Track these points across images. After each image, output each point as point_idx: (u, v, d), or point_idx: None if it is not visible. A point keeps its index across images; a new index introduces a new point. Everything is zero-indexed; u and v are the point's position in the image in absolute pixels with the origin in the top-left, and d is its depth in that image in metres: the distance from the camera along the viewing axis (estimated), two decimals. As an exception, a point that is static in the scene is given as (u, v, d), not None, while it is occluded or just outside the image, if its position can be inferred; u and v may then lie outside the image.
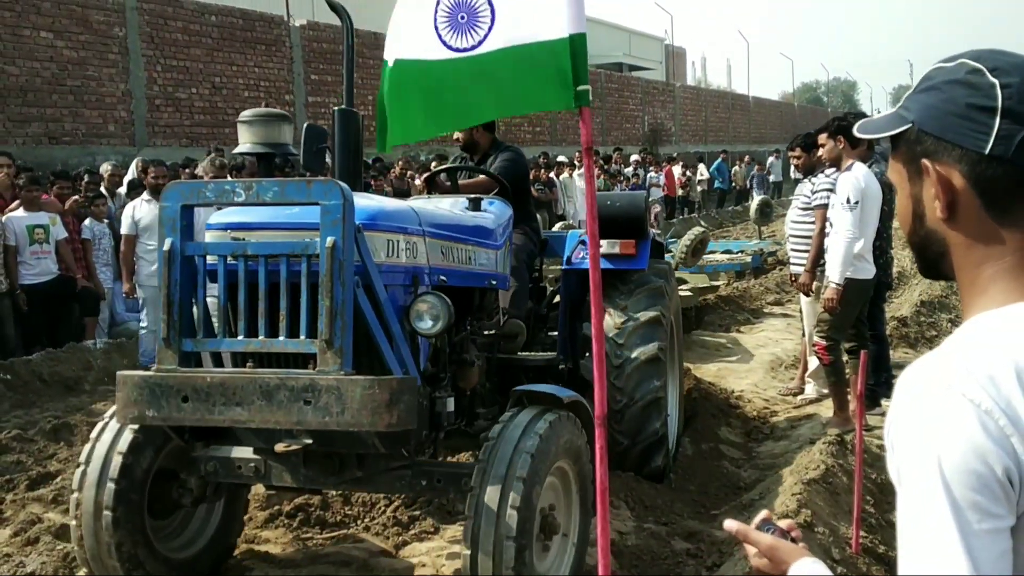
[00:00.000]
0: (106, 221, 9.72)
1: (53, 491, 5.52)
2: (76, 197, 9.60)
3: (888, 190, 6.36)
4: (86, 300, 9.27)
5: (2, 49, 13.15)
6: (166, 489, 4.05)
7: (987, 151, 1.18)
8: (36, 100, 13.61)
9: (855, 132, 1.39)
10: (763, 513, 1.44)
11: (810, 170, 7.31)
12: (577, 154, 18.22)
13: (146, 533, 3.96)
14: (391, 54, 3.86)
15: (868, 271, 6.39)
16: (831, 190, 6.58)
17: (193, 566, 4.22)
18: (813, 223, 7.00)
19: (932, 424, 1.08)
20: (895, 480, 1.14)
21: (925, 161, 1.24)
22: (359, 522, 5.03)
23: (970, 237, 1.22)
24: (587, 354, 5.54)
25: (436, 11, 3.66)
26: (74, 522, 3.90)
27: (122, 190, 10.32)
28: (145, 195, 8.58)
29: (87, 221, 9.48)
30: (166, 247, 3.43)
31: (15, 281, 8.54)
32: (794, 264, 7.50)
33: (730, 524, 1.41)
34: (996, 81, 1.19)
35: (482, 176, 5.70)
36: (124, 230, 8.66)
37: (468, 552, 3.46)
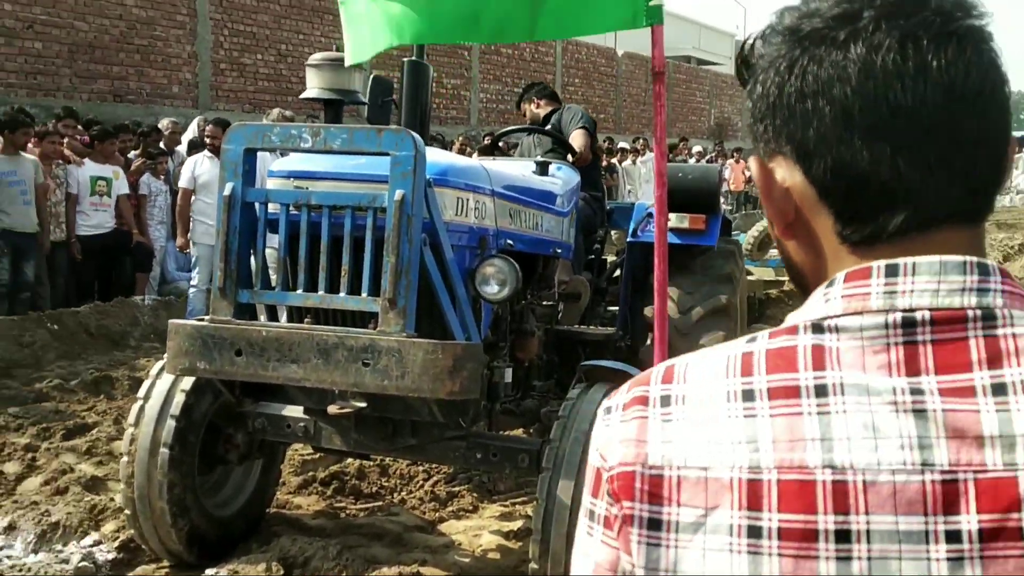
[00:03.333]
0: (162, 178, 9.68)
1: (87, 442, 5.46)
2: (143, 159, 9.56)
3: None
4: (139, 256, 9.25)
5: (74, 4, 13.19)
6: (213, 442, 3.94)
7: None
8: (103, 57, 13.64)
9: None
10: None
11: None
12: (642, 141, 17.87)
13: (195, 480, 3.85)
14: None
15: None
16: None
17: (228, 526, 4.09)
18: None
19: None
20: None
21: None
22: (395, 494, 4.87)
23: None
24: (648, 340, 5.31)
25: None
26: (125, 459, 3.79)
27: (182, 148, 10.27)
28: (207, 152, 8.38)
29: (145, 176, 9.45)
30: (226, 192, 3.26)
31: (72, 231, 8.51)
32: None
33: None
34: None
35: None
36: (183, 183, 8.49)
37: (538, 540, 3.24)
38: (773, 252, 11.42)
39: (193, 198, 8.33)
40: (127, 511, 3.84)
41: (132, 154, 9.79)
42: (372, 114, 4.40)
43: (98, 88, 13.63)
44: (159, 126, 10.75)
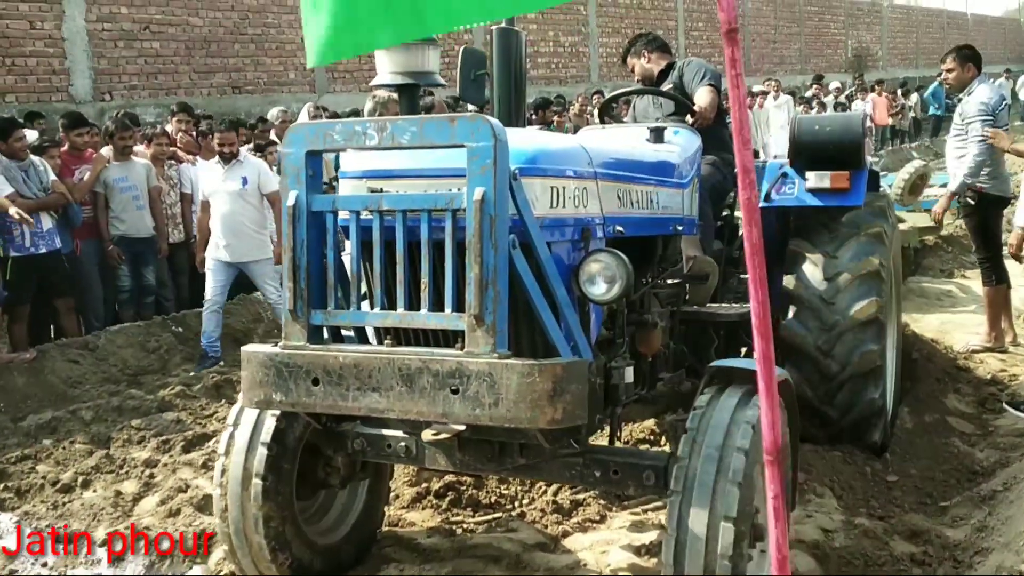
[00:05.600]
0: (274, 168, 9.54)
1: (205, 455, 5.32)
2: (253, 151, 9.41)
3: None
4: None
5: (186, 2, 13.30)
6: (312, 466, 3.65)
7: None
8: (219, 50, 13.74)
9: None
10: None
11: (963, 86, 6.78)
12: (773, 83, 16.82)
13: (294, 509, 3.56)
14: None
15: None
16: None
17: (336, 554, 3.80)
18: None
19: None
20: None
21: None
22: (515, 504, 4.49)
23: None
24: (790, 313, 4.73)
25: None
26: (218, 491, 3.55)
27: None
28: (216, 159, 7.60)
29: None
30: (290, 201, 2.90)
31: (190, 230, 8.47)
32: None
33: None
34: None
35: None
36: (201, 195, 7.77)
37: None
38: (928, 192, 10.46)
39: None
40: (224, 546, 3.60)
41: (244, 148, 9.70)
42: (465, 90, 4.01)
43: (216, 82, 13.74)
44: (268, 116, 10.64)
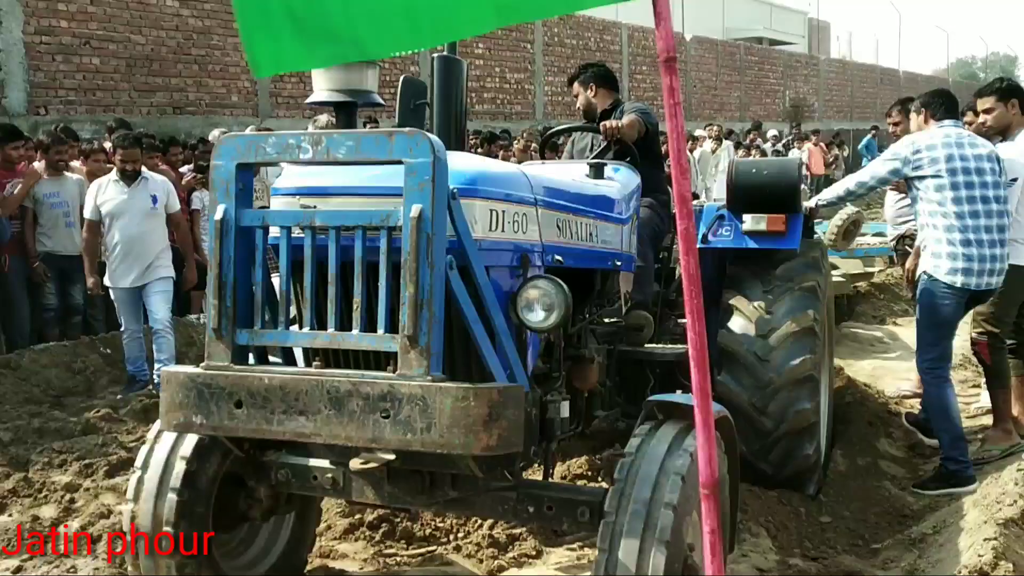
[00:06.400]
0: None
1: (128, 480, 5.08)
2: (195, 173, 9.22)
3: None
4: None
5: (129, 19, 13.07)
6: (233, 498, 3.47)
7: None
8: (161, 69, 13.50)
9: None
10: None
11: None
12: (715, 128, 17.10)
13: (212, 554, 3.38)
14: None
15: None
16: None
17: None
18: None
19: None
20: None
21: None
22: (451, 538, 4.37)
23: None
24: (724, 369, 4.68)
25: None
26: (128, 538, 3.34)
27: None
28: (114, 175, 7.07)
29: (197, 191, 9.13)
30: (218, 216, 2.78)
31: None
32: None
33: None
34: None
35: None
36: (87, 214, 7.11)
37: None
38: (860, 241, 10.66)
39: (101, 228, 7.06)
40: (136, 595, 3.40)
41: (184, 168, 9.51)
42: (404, 119, 3.92)
43: (157, 101, 13.49)
44: (209, 138, 10.46)
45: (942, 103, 5.27)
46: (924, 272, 5.12)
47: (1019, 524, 4.01)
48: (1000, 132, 5.59)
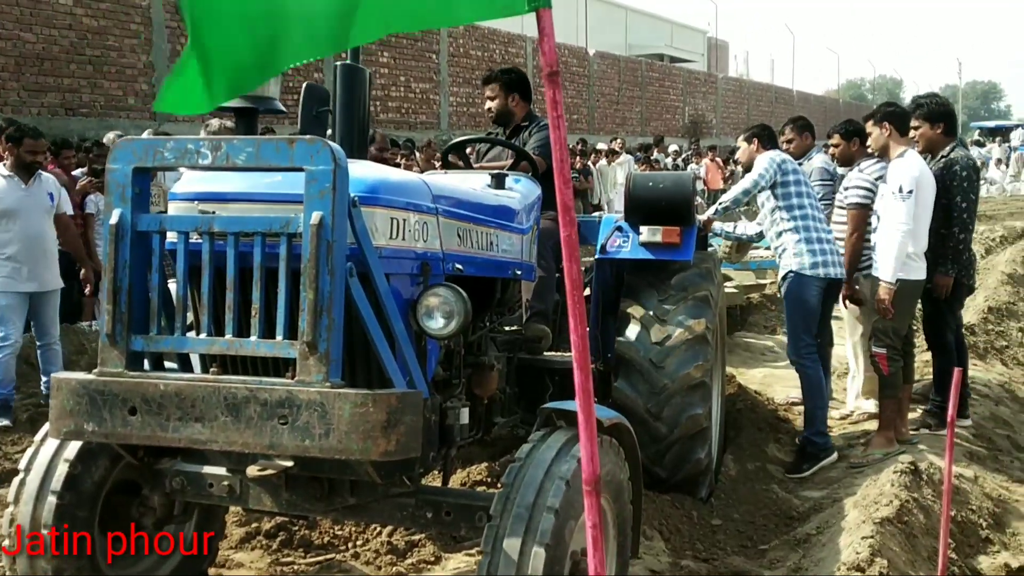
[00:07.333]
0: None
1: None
2: (89, 176, 8.94)
3: (975, 176, 5.89)
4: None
5: (19, 15, 12.66)
6: (125, 505, 3.40)
7: None
8: (53, 69, 13.10)
9: None
10: None
11: (848, 161, 6.68)
12: (619, 142, 17.43)
13: (95, 559, 3.30)
14: None
15: (919, 270, 5.69)
16: (868, 189, 5.97)
17: None
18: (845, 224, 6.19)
19: None
20: None
21: None
22: (349, 545, 4.37)
23: None
24: (620, 376, 4.80)
25: None
26: (7, 542, 3.26)
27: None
28: (3, 169, 6.52)
29: (92, 195, 8.88)
30: (113, 220, 2.75)
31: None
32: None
33: None
34: None
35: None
36: None
37: None
38: (753, 253, 11.03)
39: None
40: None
41: (78, 171, 9.23)
42: (306, 127, 3.90)
43: (48, 101, 13.08)
44: (104, 140, 10.18)
45: (767, 134, 6.23)
46: (790, 271, 5.81)
47: (894, 523, 4.24)
48: (798, 156, 6.70)
